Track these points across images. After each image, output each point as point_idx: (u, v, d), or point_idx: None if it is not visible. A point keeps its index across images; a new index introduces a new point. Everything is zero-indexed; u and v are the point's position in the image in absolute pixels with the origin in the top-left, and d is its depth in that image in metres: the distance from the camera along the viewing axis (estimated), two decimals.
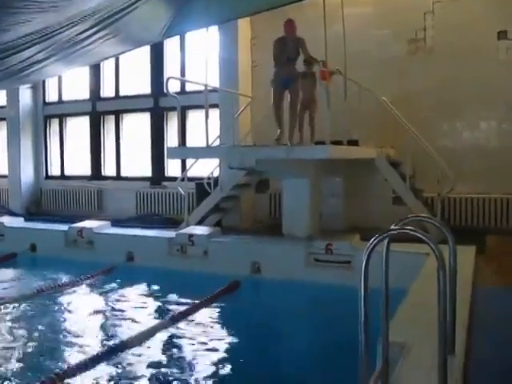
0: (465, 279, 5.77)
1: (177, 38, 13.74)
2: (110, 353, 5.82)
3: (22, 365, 5.61)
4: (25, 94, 16.11)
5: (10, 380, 5.19)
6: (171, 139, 14.24)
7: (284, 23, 9.32)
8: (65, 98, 16.39)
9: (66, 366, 5.42)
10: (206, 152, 9.94)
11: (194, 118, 13.76)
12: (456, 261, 3.99)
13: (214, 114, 11.70)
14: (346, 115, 9.23)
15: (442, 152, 10.22)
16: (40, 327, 6.91)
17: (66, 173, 16.45)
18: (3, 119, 16.68)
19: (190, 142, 13.33)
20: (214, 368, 5.54)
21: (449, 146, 11.18)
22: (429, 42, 11.42)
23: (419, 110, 11.08)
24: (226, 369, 5.58)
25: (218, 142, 11.22)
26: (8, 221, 12.47)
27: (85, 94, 15.89)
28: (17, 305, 7.86)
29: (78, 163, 16.16)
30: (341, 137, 9.21)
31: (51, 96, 16.61)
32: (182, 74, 13.98)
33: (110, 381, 5.23)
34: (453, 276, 3.92)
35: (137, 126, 15.36)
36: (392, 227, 3.43)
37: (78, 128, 16.24)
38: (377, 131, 10.89)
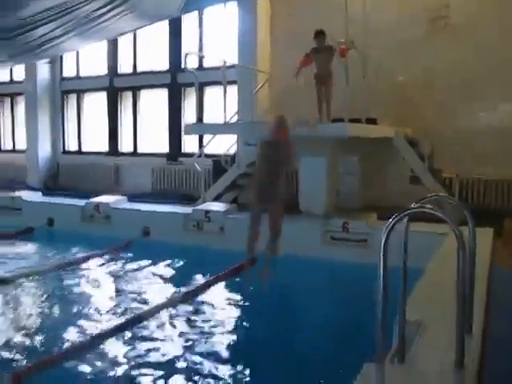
0: (482, 261, 5.73)
1: (195, 14, 13.64)
2: (126, 325, 5.91)
3: (42, 336, 5.70)
4: (42, 69, 16.15)
5: (30, 351, 5.28)
6: (188, 115, 14.22)
7: None
8: (82, 73, 16.41)
9: (82, 338, 5.51)
10: (223, 128, 9.91)
11: (212, 94, 13.71)
12: (475, 242, 3.96)
13: (232, 90, 11.64)
14: (364, 93, 9.15)
15: (461, 133, 10.11)
16: (57, 300, 7.01)
17: (84, 148, 16.53)
18: (21, 94, 16.76)
19: (208, 118, 13.30)
20: (227, 343, 5.59)
21: (468, 126, 11.01)
22: (450, 21, 11.19)
23: (439, 89, 10.92)
24: (240, 344, 5.63)
25: (235, 119, 11.18)
26: (26, 195, 12.60)
27: (102, 69, 15.89)
28: (34, 278, 7.96)
29: (95, 139, 16.22)
30: (359, 115, 9.14)
31: (69, 71, 16.63)
32: (200, 49, 13.90)
33: (124, 353, 5.31)
34: (471, 257, 3.89)
35: (154, 101, 15.35)
36: (412, 206, 3.40)
37: (96, 104, 16.28)
38: (395, 110, 10.78)
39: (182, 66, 9.56)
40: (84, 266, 8.78)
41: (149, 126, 15.41)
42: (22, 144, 17.14)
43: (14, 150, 17.89)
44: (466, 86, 10.94)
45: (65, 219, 11.10)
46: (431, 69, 11.04)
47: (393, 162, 10.87)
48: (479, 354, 3.74)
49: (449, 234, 7.27)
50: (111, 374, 4.89)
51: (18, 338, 5.62)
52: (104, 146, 15.94)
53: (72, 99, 16.65)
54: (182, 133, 13.98)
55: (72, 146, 16.72)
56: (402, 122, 10.70)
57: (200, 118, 11.66)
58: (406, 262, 3.46)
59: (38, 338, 5.63)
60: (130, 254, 9.31)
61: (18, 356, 5.16)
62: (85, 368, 4.96)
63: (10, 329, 5.93)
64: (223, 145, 11.63)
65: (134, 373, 4.90)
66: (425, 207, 3.34)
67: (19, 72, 16.74)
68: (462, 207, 3.95)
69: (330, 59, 9.16)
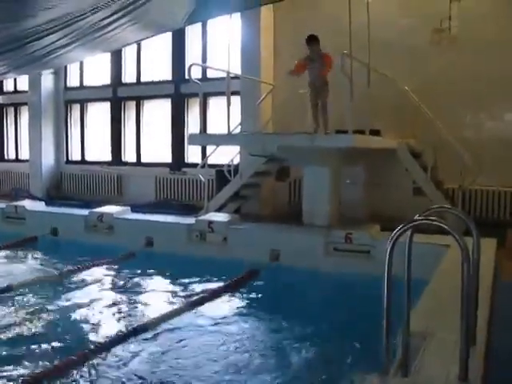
0: (486, 272, 5.73)
1: (199, 25, 13.74)
2: (128, 336, 5.90)
3: (46, 344, 5.69)
4: (47, 80, 16.25)
5: (33, 359, 5.28)
6: (191, 126, 14.29)
7: None
8: (86, 83, 16.49)
9: (84, 348, 5.51)
10: (227, 139, 9.94)
11: (215, 105, 13.77)
12: (479, 253, 3.97)
13: (235, 100, 11.69)
14: (368, 104, 9.17)
15: (464, 143, 10.13)
16: (60, 310, 6.99)
17: (87, 158, 16.58)
18: (25, 104, 16.84)
19: (211, 129, 13.35)
20: (230, 354, 5.57)
21: (470, 137, 11.04)
22: (453, 32, 11.25)
23: (441, 100, 10.95)
24: (243, 355, 5.61)
25: (238, 129, 11.22)
26: (29, 204, 12.60)
27: (106, 79, 15.97)
28: (37, 288, 7.96)
29: (99, 148, 16.28)
30: (362, 126, 9.16)
31: (72, 81, 16.73)
32: (204, 60, 13.98)
33: (126, 363, 5.30)
34: (476, 268, 3.90)
35: (157, 112, 15.42)
36: (416, 217, 3.41)
37: (99, 113, 16.36)
38: (398, 121, 10.82)
39: (186, 77, 9.61)
40: (87, 275, 8.77)
41: (152, 136, 15.46)
42: (25, 153, 17.20)
43: (17, 160, 17.95)
44: (469, 96, 10.98)
45: (68, 229, 11.11)
46: (434, 79, 11.08)
47: (396, 173, 10.89)
48: (482, 366, 3.73)
49: (451, 246, 7.29)
50: (115, 381, 4.89)
51: (22, 346, 5.61)
52: (107, 156, 15.99)
53: (76, 109, 16.74)
54: (185, 143, 14.06)
55: (75, 155, 16.78)
56: (406, 133, 10.73)
57: (204, 129, 11.70)
58: (410, 273, 3.46)
59: (42, 346, 5.63)
60: (133, 265, 9.30)
61: (22, 364, 5.17)
62: (89, 377, 4.96)
63: (15, 336, 5.93)
64: (226, 155, 11.66)
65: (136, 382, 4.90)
66: (429, 219, 3.36)
67: (23, 82, 16.84)
68: (466, 218, 3.96)
69: (324, 68, 8.99)
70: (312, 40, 8.92)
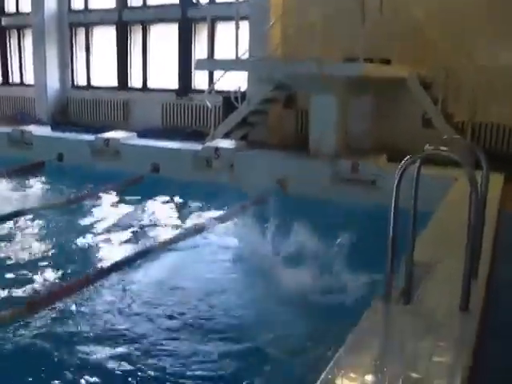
0: (492, 205, 5.71)
1: None
2: (134, 259, 6.01)
3: (54, 268, 5.80)
4: (50, 0, 15.80)
5: (39, 282, 5.38)
6: (198, 52, 13.99)
7: None
8: (91, 6, 16.05)
9: (93, 269, 5.62)
10: (235, 64, 9.77)
11: (223, 30, 13.42)
12: (488, 186, 3.93)
13: (243, 26, 11.37)
14: (379, 32, 8.93)
15: (476, 75, 9.89)
16: (67, 234, 7.08)
17: (93, 83, 16.36)
18: (29, 26, 16.47)
19: (218, 55, 13.08)
20: (234, 276, 5.65)
21: (483, 69, 10.71)
22: None
23: (454, 28, 10.59)
24: (246, 277, 5.69)
25: (246, 55, 10.99)
26: (35, 129, 12.54)
27: (111, 2, 15.52)
28: (45, 213, 8.03)
29: (105, 73, 16.02)
30: (372, 55, 8.95)
31: (77, 3, 16.26)
32: None
33: (132, 285, 5.42)
34: (483, 201, 3.87)
35: (164, 36, 15.06)
36: (426, 147, 3.36)
37: (105, 38, 15.99)
38: (410, 51, 10.51)
39: (193, 0, 9.35)
40: (93, 200, 8.84)
41: (158, 61, 15.18)
42: (30, 78, 16.97)
43: (22, 84, 17.73)
44: (483, 24, 10.60)
45: (74, 154, 11.11)
46: (448, 6, 10.69)
47: (405, 104, 10.69)
48: (483, 298, 3.77)
49: (458, 179, 7.26)
50: (121, 303, 5.00)
51: (29, 269, 5.71)
52: (114, 81, 15.76)
53: (80, 33, 16.35)
54: (192, 68, 13.81)
55: (81, 80, 16.55)
56: (416, 63, 10.47)
57: (211, 54, 11.46)
58: (417, 203, 3.44)
59: (51, 270, 5.74)
60: (138, 190, 9.34)
61: (30, 287, 5.27)
62: (96, 298, 5.08)
63: (23, 259, 6.02)
64: (233, 81, 11.45)
65: (143, 304, 5.00)
66: (439, 149, 3.30)
67: (26, 3, 16.41)
68: (476, 150, 3.90)
69: None
70: None
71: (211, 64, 10.53)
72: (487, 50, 10.79)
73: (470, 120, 9.74)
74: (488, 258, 4.43)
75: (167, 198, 8.90)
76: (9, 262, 5.94)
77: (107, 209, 8.63)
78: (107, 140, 11.02)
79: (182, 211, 8.40)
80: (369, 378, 2.58)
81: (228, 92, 11.58)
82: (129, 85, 15.61)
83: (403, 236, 3.39)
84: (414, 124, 10.45)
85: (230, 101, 11.32)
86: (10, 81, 18.10)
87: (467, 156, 4.28)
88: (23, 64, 17.65)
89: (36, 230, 7.29)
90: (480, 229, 3.76)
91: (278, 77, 9.52)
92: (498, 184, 7.58)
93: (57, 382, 3.72)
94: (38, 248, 6.47)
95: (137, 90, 15.37)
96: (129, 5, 15.36)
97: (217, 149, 9.79)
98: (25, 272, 5.64)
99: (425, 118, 10.15)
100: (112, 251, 6.41)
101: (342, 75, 8.62)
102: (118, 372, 3.88)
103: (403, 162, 3.17)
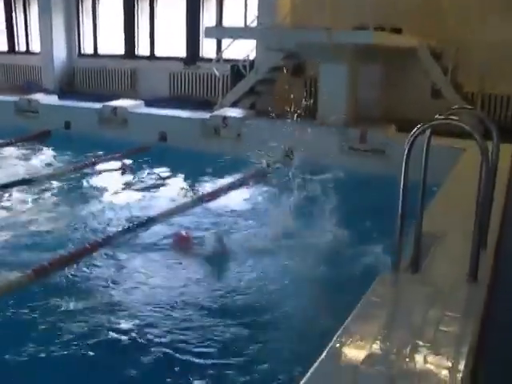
0: (501, 176, 5.68)
1: None
2: (140, 226, 6.04)
3: (60, 235, 5.83)
4: None
5: (48, 247, 5.44)
6: (207, 19, 13.82)
7: None
8: None
9: (100, 236, 5.67)
10: (244, 32, 9.66)
11: None
12: (498, 155, 3.90)
13: None
14: (389, 1, 8.81)
15: (487, 46, 9.74)
16: (74, 202, 7.12)
17: (100, 51, 16.22)
18: None
19: (227, 22, 12.93)
20: (243, 244, 5.67)
21: (494, 40, 10.55)
22: None
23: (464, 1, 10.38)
24: (252, 246, 5.69)
25: (255, 24, 10.86)
26: (42, 98, 12.49)
27: None
28: (52, 181, 8.06)
29: (112, 42, 15.87)
30: (383, 24, 8.84)
31: None
32: None
33: (137, 253, 5.46)
34: (493, 171, 3.84)
35: (172, 3, 14.87)
36: (436, 117, 3.32)
37: (111, 5, 15.80)
38: (420, 20, 10.36)
39: None
40: (100, 168, 8.87)
41: (166, 29, 15.02)
42: (36, 46, 16.82)
43: (28, 52, 17.59)
44: None
45: (82, 122, 11.08)
46: None
47: (415, 74, 10.59)
48: (492, 268, 3.77)
49: (467, 150, 7.21)
50: (124, 270, 5.08)
51: (36, 236, 5.75)
52: (121, 49, 15.62)
53: (87, 0, 16.16)
54: (200, 37, 13.67)
55: (88, 48, 16.41)
56: (427, 33, 10.32)
57: (220, 22, 11.35)
58: (426, 173, 3.42)
59: (57, 237, 5.77)
60: (146, 159, 9.34)
61: (37, 253, 5.31)
62: (99, 265, 5.12)
63: (30, 227, 6.05)
64: (241, 50, 11.34)
65: (144, 272, 5.05)
66: (450, 118, 3.27)
67: None
68: (487, 120, 3.86)
69: None
70: None
71: (220, 32, 10.43)
72: (497, 24, 10.60)
73: (479, 91, 9.63)
74: (497, 228, 4.43)
75: (174, 167, 8.90)
76: (16, 229, 5.97)
77: (114, 177, 8.66)
78: (115, 108, 10.99)
79: (189, 180, 8.41)
80: (377, 345, 2.60)
81: (236, 61, 11.49)
82: (136, 53, 15.48)
83: (412, 206, 3.38)
84: (423, 94, 10.35)
85: (238, 69, 11.23)
86: (16, 49, 17.96)
87: (477, 126, 4.25)
88: (29, 32, 17.50)
89: (43, 198, 7.32)
90: (490, 198, 3.73)
91: (287, 45, 9.42)
92: (508, 154, 7.52)
93: (63, 347, 3.77)
94: (44, 215, 6.50)
95: (144, 58, 15.24)
96: None
97: (225, 117, 9.75)
98: (31, 239, 5.67)
99: (434, 89, 10.05)
100: (118, 219, 6.42)
101: (352, 43, 8.51)
102: (124, 337, 3.93)
103: (414, 130, 3.14)
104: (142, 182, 8.32)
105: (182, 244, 5.61)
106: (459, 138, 6.77)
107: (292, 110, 11.40)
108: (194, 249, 5.55)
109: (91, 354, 3.67)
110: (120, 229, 5.90)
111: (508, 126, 10.48)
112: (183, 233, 5.83)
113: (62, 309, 4.24)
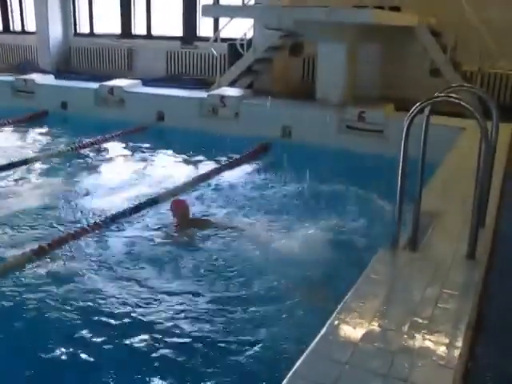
0: (500, 155, 5.67)
1: None
2: (140, 207, 6.05)
3: (58, 216, 5.84)
4: None
5: (47, 229, 5.46)
6: None
7: None
8: None
9: (97, 219, 5.66)
10: (241, 11, 9.59)
11: None
12: (497, 133, 3.89)
13: None
14: None
15: (487, 24, 9.64)
16: (72, 182, 7.12)
17: (96, 31, 16.07)
18: None
19: (224, 1, 12.81)
20: (240, 223, 5.69)
21: (493, 18, 10.45)
22: None
23: None
24: (252, 224, 5.71)
25: (253, 2, 10.78)
26: (38, 78, 12.37)
27: None
28: (50, 161, 8.03)
29: (108, 20, 15.71)
30: (382, 2, 8.77)
31: None
32: None
33: (137, 233, 5.48)
34: (492, 149, 3.84)
35: None
36: (436, 94, 3.31)
37: None
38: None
39: None
40: (98, 148, 8.84)
41: (163, 8, 14.87)
42: (31, 25, 16.65)
43: (23, 32, 17.42)
44: None
45: (78, 102, 11.01)
46: None
47: (414, 52, 10.50)
48: (490, 247, 3.79)
49: (466, 129, 7.20)
50: (125, 249, 5.08)
51: (36, 216, 5.76)
52: (117, 29, 15.48)
53: None
54: (198, 16, 13.54)
55: (84, 27, 16.25)
56: (426, 11, 10.23)
57: (217, 0, 11.25)
58: (425, 152, 3.42)
59: (55, 217, 5.79)
60: (144, 138, 9.32)
61: (36, 232, 5.34)
62: (101, 245, 5.13)
63: (30, 207, 6.05)
64: (238, 29, 11.24)
65: (148, 249, 5.07)
66: (450, 96, 3.26)
67: None
68: (487, 98, 3.85)
69: None
70: None
71: (217, 10, 10.34)
72: (496, 1, 10.50)
73: (479, 70, 9.56)
74: (495, 207, 4.44)
75: (171, 147, 8.88)
76: (14, 209, 5.96)
77: (111, 157, 8.64)
78: (111, 88, 10.92)
79: (187, 159, 8.39)
80: (375, 322, 2.62)
81: (234, 39, 11.40)
82: (133, 32, 15.35)
83: (409, 186, 3.38)
84: (421, 73, 10.27)
85: (235, 48, 11.15)
86: (11, 29, 17.78)
87: (477, 104, 4.24)
88: (24, 12, 17.30)
89: (40, 179, 7.30)
90: (488, 177, 3.73)
91: (286, 24, 9.33)
92: (507, 134, 7.52)
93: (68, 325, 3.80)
94: (42, 196, 6.48)
95: (141, 37, 15.12)
96: None
97: (223, 97, 9.70)
98: (30, 219, 5.67)
99: (433, 67, 9.98)
100: (116, 200, 6.42)
101: (352, 22, 8.43)
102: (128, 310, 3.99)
103: (413, 108, 3.13)
104: (139, 162, 8.30)
105: (179, 207, 5.69)
106: (459, 117, 6.78)
107: (290, 88, 11.37)
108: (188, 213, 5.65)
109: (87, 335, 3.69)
110: (118, 210, 5.89)
111: (507, 104, 10.45)
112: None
113: (62, 289, 4.26)
